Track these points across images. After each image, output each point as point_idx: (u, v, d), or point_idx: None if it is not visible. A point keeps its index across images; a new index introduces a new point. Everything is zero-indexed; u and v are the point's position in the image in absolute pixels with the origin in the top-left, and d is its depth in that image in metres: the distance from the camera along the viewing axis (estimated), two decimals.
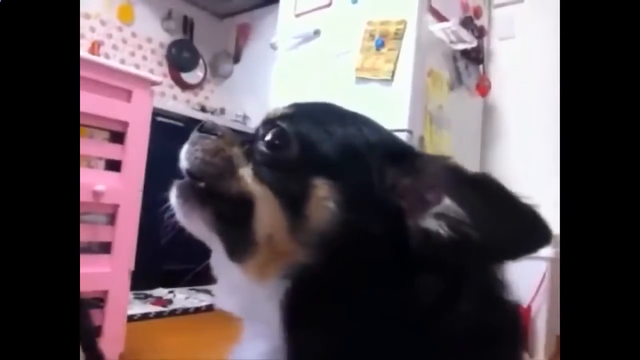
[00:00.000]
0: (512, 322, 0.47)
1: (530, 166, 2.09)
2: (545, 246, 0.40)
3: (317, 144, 0.48)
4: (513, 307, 0.47)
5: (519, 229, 0.41)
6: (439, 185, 0.43)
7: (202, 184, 0.51)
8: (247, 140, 0.53)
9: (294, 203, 0.45)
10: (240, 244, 0.47)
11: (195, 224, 0.51)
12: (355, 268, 0.43)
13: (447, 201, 0.42)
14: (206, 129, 0.54)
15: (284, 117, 0.51)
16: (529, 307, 1.88)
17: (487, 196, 0.41)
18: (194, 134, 0.54)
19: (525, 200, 0.40)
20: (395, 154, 0.48)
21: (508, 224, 0.40)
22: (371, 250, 0.43)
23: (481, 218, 0.40)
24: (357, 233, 0.44)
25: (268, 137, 0.50)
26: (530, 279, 1.79)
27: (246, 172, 0.49)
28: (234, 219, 0.48)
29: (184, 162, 0.53)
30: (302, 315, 0.44)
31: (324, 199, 0.45)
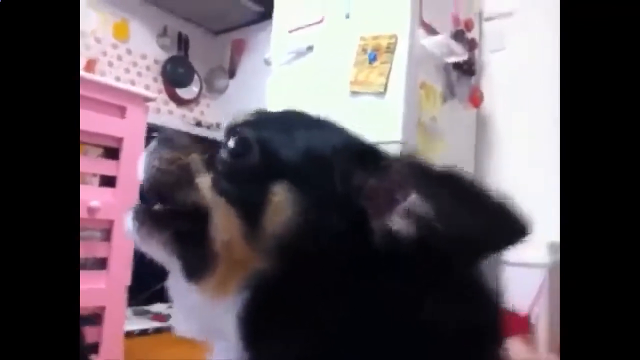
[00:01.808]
0: (490, 321, 0.45)
1: (526, 175, 2.10)
2: (521, 240, 0.39)
3: (279, 149, 0.47)
4: (493, 306, 0.46)
5: (490, 223, 0.39)
6: (405, 182, 0.42)
7: (158, 207, 0.50)
8: (209, 148, 0.52)
9: (250, 211, 0.44)
10: (198, 262, 0.46)
11: (152, 247, 0.50)
12: (315, 274, 0.42)
13: (413, 197, 0.41)
14: (164, 138, 0.53)
15: (246, 123, 0.50)
16: (528, 315, 1.88)
17: (455, 191, 0.40)
18: (153, 143, 0.53)
19: (496, 194, 0.39)
20: (361, 156, 0.47)
21: (478, 218, 0.39)
22: (333, 255, 0.42)
23: (448, 211, 0.39)
24: (317, 238, 0.43)
25: (230, 145, 0.48)
26: (529, 287, 1.79)
27: (204, 182, 0.48)
28: (191, 235, 0.47)
29: (140, 172, 0.52)
30: (261, 325, 0.43)
31: (281, 205, 0.44)
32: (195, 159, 0.51)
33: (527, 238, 0.38)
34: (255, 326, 0.43)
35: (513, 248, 0.39)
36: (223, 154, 0.49)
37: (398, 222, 0.40)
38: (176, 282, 0.49)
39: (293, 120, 0.52)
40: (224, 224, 0.45)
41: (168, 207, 0.50)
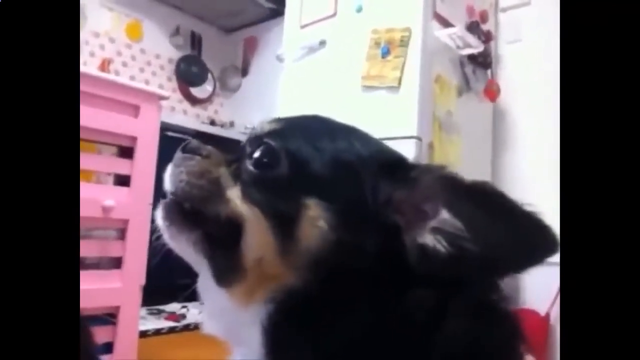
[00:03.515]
0: (510, 337, 0.44)
1: (543, 171, 2.05)
2: (553, 255, 0.38)
3: (307, 161, 0.46)
4: (512, 321, 0.45)
5: (522, 239, 0.38)
6: (435, 197, 0.41)
7: (188, 205, 0.49)
8: (234, 159, 0.51)
9: (284, 224, 0.43)
10: (228, 268, 0.46)
11: (182, 246, 0.50)
12: (346, 288, 0.42)
13: (444, 213, 0.40)
14: (190, 149, 0.52)
15: (271, 133, 0.49)
16: (547, 314, 1.84)
17: (486, 206, 0.39)
18: (178, 155, 0.52)
19: (528, 208, 0.38)
20: (388, 166, 0.46)
21: (510, 234, 0.38)
22: (364, 270, 0.42)
23: (481, 230, 0.38)
24: (350, 252, 0.42)
25: (256, 155, 0.47)
26: (548, 285, 1.75)
27: (234, 194, 0.47)
28: (222, 242, 0.46)
29: (168, 185, 0.51)
30: (284, 336, 0.42)
31: (315, 219, 0.43)
32: (223, 170, 0.50)
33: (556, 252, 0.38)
34: (278, 337, 0.42)
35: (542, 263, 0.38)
36: (249, 164, 0.48)
37: (430, 239, 0.40)
38: (205, 282, 0.49)
39: (317, 128, 0.51)
40: (258, 238, 0.45)
41: (199, 208, 0.49)
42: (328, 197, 0.44)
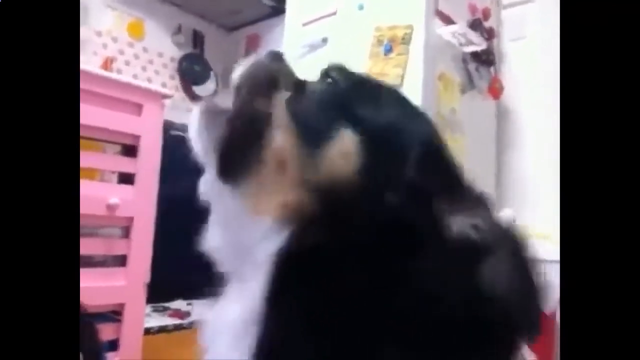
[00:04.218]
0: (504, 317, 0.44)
1: (547, 168, 2.05)
2: (524, 338, 0.41)
3: (364, 105, 0.47)
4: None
5: (517, 305, 0.40)
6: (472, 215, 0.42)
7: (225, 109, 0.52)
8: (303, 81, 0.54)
9: (316, 139, 0.45)
10: (241, 161, 0.46)
11: (205, 140, 0.51)
12: (359, 237, 0.41)
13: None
14: (275, 55, 0.56)
15: (343, 71, 0.52)
16: (553, 314, 1.83)
17: (511, 257, 0.40)
18: (267, 53, 0.56)
19: (538, 281, 0.40)
20: (438, 168, 0.47)
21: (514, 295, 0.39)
22: (377, 222, 0.41)
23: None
24: (369, 196, 0.42)
25: (317, 80, 0.51)
26: (554, 284, 1.74)
27: (281, 96, 0.50)
28: (246, 136, 0.48)
29: (237, 72, 0.55)
30: (297, 268, 0.41)
31: (347, 150, 0.44)
32: (287, 78, 0.53)
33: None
34: (291, 264, 0.41)
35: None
36: (308, 87, 0.51)
37: (465, 225, 0.40)
38: (215, 186, 0.49)
39: (389, 91, 0.53)
40: (284, 135, 0.46)
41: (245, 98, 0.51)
42: (369, 140, 0.45)
